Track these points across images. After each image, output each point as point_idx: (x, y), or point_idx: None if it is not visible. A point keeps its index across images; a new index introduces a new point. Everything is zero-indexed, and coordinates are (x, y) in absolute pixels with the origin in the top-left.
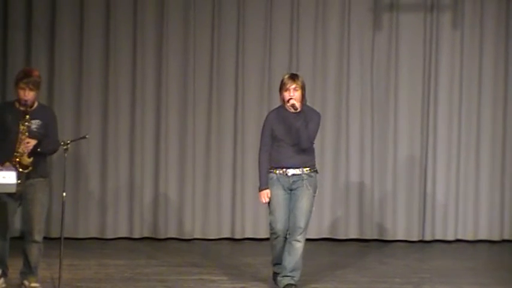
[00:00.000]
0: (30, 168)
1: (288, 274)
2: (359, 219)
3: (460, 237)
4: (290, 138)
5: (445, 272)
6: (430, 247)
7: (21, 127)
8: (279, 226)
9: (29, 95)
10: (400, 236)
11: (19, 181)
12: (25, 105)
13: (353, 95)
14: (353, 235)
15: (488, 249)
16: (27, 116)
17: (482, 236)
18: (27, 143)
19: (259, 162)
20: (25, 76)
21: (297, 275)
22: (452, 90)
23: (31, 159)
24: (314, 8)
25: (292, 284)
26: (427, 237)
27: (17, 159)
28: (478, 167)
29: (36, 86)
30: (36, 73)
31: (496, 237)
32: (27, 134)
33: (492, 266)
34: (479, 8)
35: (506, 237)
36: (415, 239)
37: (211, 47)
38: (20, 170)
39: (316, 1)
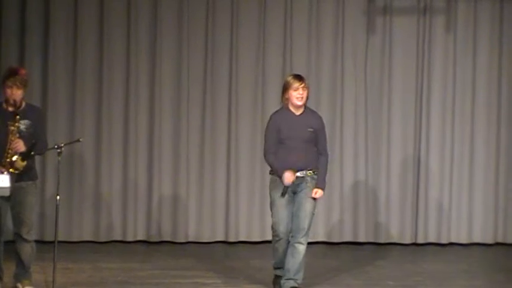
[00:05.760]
0: (21, 170)
1: (292, 277)
2: (353, 222)
3: (453, 240)
4: (294, 140)
5: (438, 275)
6: (424, 250)
7: (12, 128)
8: (282, 228)
9: (16, 93)
10: (394, 239)
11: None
12: (14, 104)
13: (347, 98)
14: (347, 238)
15: (482, 252)
16: (18, 117)
17: (476, 239)
18: (17, 143)
19: (270, 163)
20: (11, 74)
21: (299, 277)
22: (445, 93)
23: (25, 163)
24: (307, 11)
25: (295, 287)
26: (421, 240)
27: (8, 160)
28: (471, 170)
29: (23, 84)
30: (22, 71)
31: (489, 240)
32: (17, 134)
33: (486, 268)
34: (473, 11)
35: (499, 240)
36: (408, 242)
37: (205, 50)
38: (11, 170)
39: (309, 4)
